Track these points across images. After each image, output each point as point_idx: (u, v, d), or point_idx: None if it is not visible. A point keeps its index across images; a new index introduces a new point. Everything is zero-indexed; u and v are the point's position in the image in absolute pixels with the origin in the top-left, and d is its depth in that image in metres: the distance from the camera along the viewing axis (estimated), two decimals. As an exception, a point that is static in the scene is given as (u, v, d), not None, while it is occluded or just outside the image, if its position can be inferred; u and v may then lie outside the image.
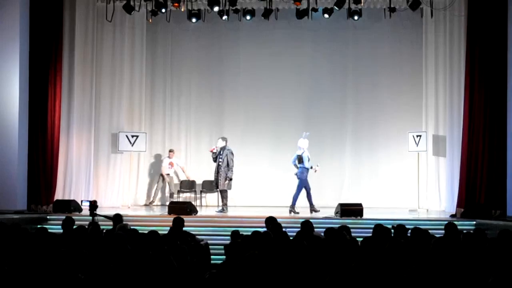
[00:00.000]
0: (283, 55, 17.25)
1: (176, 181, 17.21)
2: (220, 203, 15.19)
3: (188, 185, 17.11)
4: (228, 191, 15.05)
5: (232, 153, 14.92)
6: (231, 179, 14.91)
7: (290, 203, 14.39)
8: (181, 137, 17.58)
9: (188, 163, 17.47)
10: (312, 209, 14.46)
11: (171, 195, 16.82)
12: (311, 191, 14.53)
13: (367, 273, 5.29)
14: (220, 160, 14.80)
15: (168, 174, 16.93)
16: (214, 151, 14.93)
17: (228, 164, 14.79)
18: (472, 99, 14.41)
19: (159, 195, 17.19)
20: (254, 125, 17.38)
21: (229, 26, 16.85)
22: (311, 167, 14.50)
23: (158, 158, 17.48)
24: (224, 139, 15.06)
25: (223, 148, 14.89)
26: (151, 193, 17.10)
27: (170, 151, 16.94)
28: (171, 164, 16.90)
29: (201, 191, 17.03)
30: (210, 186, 16.35)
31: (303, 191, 14.48)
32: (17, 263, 6.23)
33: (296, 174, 14.60)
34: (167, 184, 17.01)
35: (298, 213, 14.21)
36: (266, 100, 17.29)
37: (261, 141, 17.23)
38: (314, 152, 17.01)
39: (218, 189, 15.22)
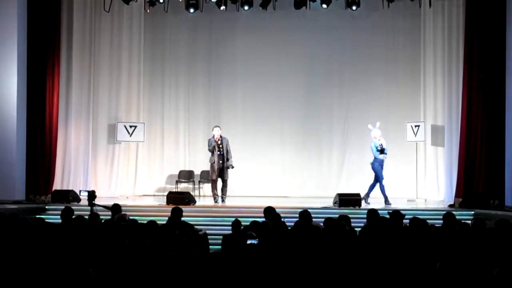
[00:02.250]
0: (281, 45, 17.20)
1: None
2: (219, 193, 14.95)
3: (186, 176, 17.11)
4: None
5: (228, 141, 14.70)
6: (233, 167, 14.75)
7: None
8: (179, 127, 17.54)
9: (186, 153, 17.47)
10: (386, 202, 14.18)
11: None
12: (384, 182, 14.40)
13: (366, 263, 5.30)
14: (221, 149, 14.48)
15: None
16: (219, 141, 14.43)
17: (228, 153, 14.58)
18: (471, 89, 14.41)
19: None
20: (252, 115, 17.35)
21: (227, 16, 16.78)
22: (380, 153, 14.38)
23: (156, 148, 17.49)
24: (219, 127, 14.65)
25: (221, 137, 14.56)
26: None
27: None
28: None
29: (199, 181, 17.01)
30: (208, 176, 16.29)
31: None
32: (17, 253, 6.23)
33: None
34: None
35: (368, 203, 14.06)
36: (263, 89, 17.25)
37: (259, 130, 17.20)
38: (312, 142, 17.11)
39: (222, 179, 14.63)
